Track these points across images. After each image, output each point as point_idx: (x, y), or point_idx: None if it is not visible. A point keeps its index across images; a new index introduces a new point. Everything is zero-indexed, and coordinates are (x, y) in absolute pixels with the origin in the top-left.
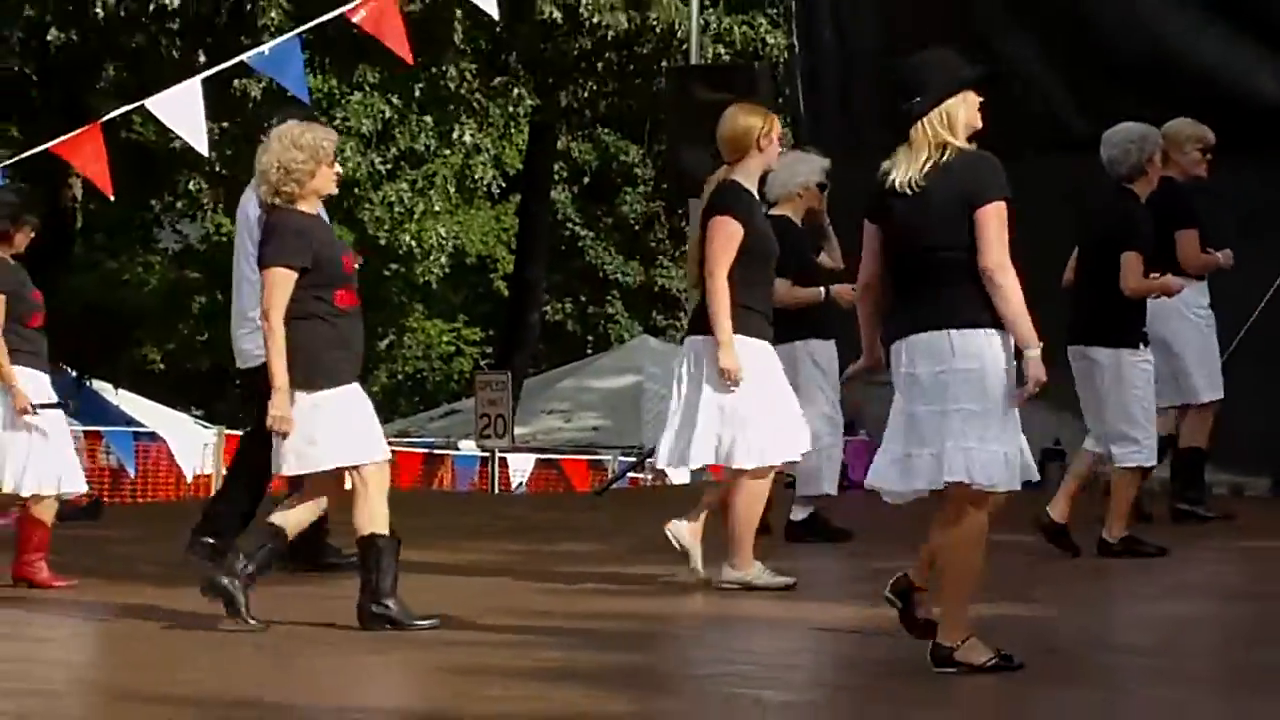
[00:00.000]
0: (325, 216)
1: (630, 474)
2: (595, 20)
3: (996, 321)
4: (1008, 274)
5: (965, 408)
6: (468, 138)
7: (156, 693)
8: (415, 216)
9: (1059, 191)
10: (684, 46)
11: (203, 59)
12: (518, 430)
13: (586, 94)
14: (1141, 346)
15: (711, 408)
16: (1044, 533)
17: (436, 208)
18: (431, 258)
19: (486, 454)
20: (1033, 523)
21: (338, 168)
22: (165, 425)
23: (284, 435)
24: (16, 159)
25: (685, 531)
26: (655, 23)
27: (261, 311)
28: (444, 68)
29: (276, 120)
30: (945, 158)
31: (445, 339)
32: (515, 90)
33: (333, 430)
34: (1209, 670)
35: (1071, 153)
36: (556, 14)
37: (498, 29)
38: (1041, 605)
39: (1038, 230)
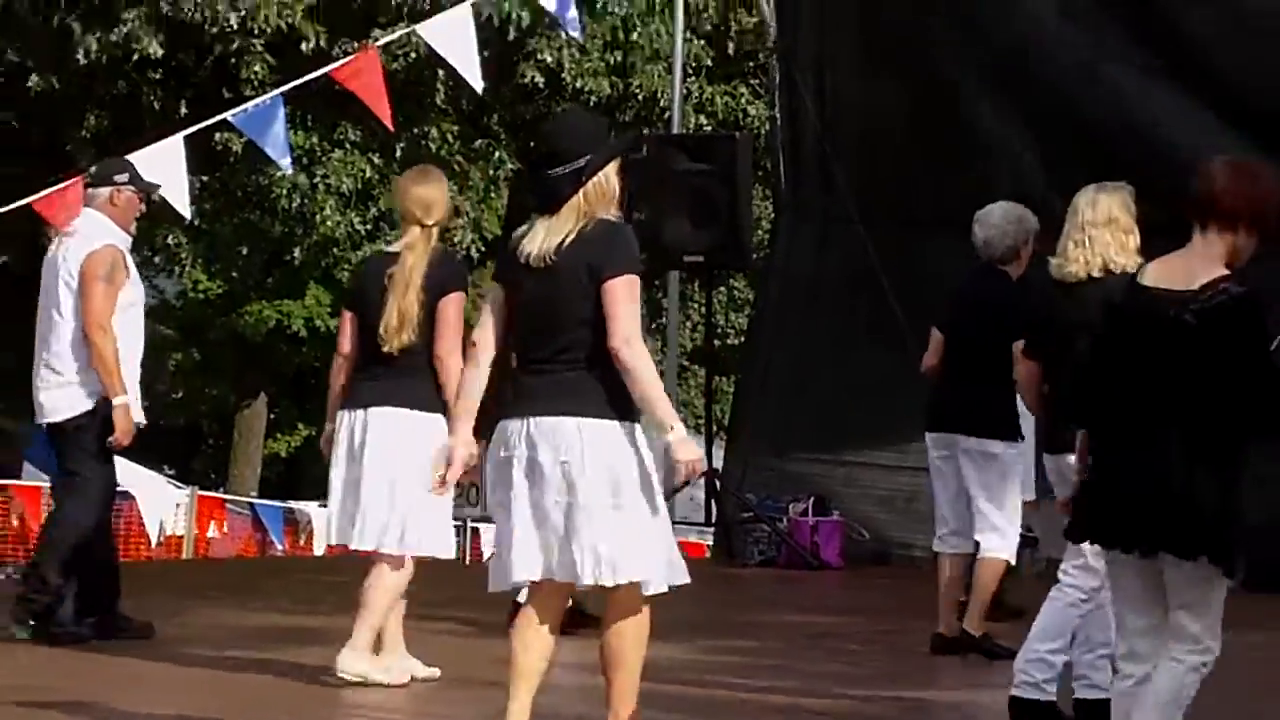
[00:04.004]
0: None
1: None
2: (578, 85)
3: (630, 412)
4: (634, 349)
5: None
6: None
7: None
8: None
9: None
10: (666, 115)
11: (184, 111)
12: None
13: None
14: (1021, 439)
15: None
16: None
17: None
18: None
19: (459, 523)
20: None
21: None
22: (137, 483)
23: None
24: None
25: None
26: (638, 90)
27: None
28: (425, 129)
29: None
30: (586, 228)
31: None
32: (496, 153)
33: None
34: None
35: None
36: (539, 78)
37: (481, 92)
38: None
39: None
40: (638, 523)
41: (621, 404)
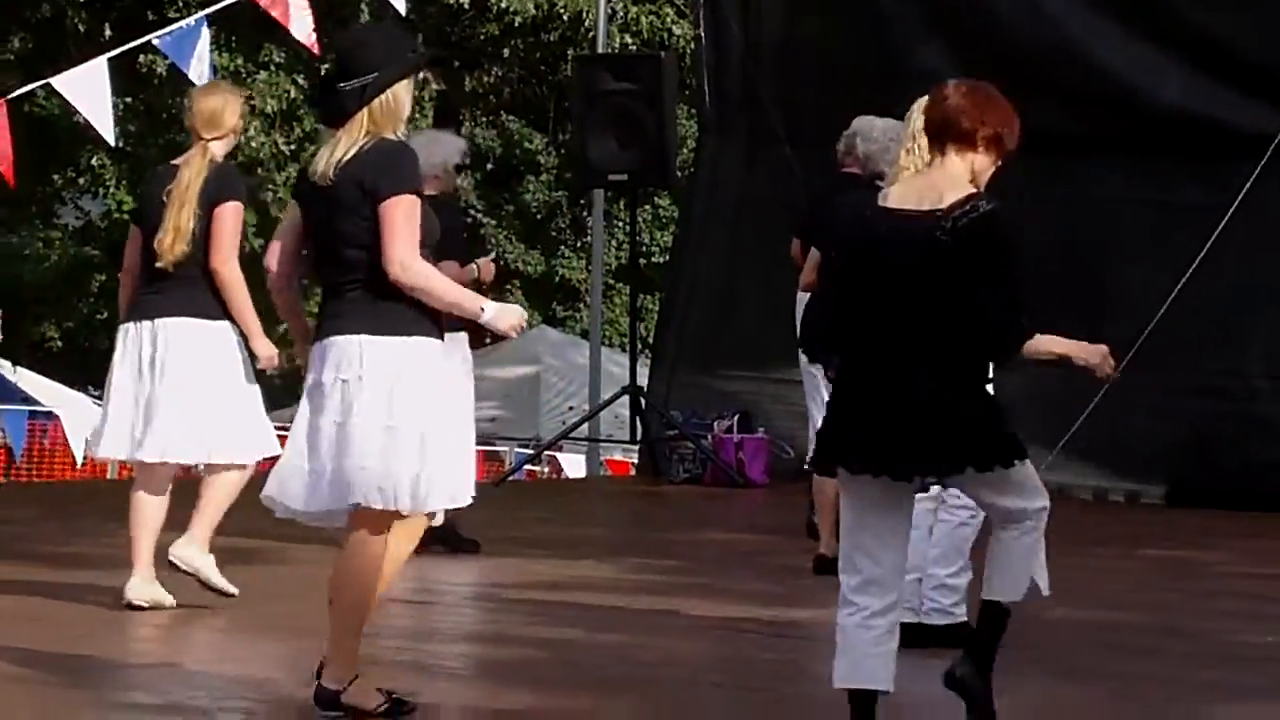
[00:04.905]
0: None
1: (527, 466)
2: (503, 6)
3: (418, 328)
4: (411, 271)
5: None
6: None
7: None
8: None
9: None
10: (591, 35)
11: (109, 33)
12: None
13: (492, 80)
14: None
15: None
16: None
17: None
18: None
19: None
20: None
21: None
22: (62, 404)
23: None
24: None
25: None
26: (563, 10)
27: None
28: None
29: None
30: (367, 146)
31: None
32: (421, 74)
33: None
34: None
35: None
36: None
37: (405, 14)
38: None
39: None
40: (408, 445)
41: (406, 320)
